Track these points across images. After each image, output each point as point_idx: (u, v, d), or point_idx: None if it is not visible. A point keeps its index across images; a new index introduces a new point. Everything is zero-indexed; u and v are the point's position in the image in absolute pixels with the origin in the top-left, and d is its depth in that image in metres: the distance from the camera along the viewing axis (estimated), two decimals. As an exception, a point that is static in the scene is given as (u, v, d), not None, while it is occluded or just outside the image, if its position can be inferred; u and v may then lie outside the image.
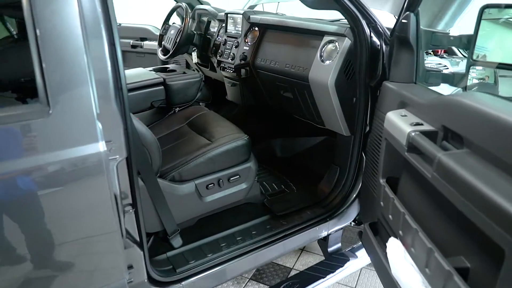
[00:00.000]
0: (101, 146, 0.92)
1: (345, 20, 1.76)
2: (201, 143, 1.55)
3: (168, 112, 2.00)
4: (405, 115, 1.15)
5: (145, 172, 1.25)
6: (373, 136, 1.49)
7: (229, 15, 2.16)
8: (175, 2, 2.49)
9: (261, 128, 2.39)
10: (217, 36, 2.30)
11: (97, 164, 0.92)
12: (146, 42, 3.12)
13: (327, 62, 1.54)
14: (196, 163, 1.43)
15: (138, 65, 3.32)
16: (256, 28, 1.99)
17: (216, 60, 2.23)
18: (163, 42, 2.43)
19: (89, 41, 0.88)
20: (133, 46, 3.19)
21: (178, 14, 2.81)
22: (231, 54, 2.07)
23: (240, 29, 2.07)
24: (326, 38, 1.58)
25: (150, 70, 2.10)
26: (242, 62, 1.99)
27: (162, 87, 1.96)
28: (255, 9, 2.75)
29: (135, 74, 1.99)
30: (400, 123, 1.10)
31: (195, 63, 2.43)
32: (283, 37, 1.83)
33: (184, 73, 2.06)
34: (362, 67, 1.51)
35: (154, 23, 3.23)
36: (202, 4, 2.66)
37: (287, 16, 2.09)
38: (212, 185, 1.48)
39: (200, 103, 2.19)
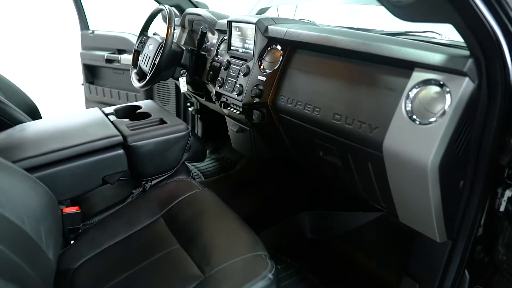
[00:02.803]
0: None
1: (423, 33, 1.08)
2: (185, 274, 0.81)
3: (134, 187, 1.21)
4: None
5: None
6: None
7: (234, 24, 1.43)
8: (158, 4, 1.76)
9: (281, 193, 1.63)
10: (216, 55, 1.57)
11: None
12: (123, 56, 2.39)
13: (431, 121, 0.81)
14: None
15: (115, 83, 2.59)
16: (279, 47, 1.25)
17: (214, 91, 1.50)
18: (139, 61, 1.71)
19: None
20: (108, 61, 2.47)
21: (166, 20, 2.08)
22: (238, 85, 1.34)
23: (251, 46, 1.33)
24: (420, 75, 0.84)
25: (109, 113, 1.31)
26: (256, 100, 1.25)
27: (122, 151, 1.13)
28: (267, 13, 2.03)
29: (78, 126, 1.17)
30: None
31: (185, 92, 1.70)
32: (327, 64, 1.08)
33: (162, 121, 1.27)
34: (490, 133, 0.80)
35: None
36: (196, 7, 1.93)
37: (326, 27, 1.35)
38: None
39: (188, 164, 1.42)
